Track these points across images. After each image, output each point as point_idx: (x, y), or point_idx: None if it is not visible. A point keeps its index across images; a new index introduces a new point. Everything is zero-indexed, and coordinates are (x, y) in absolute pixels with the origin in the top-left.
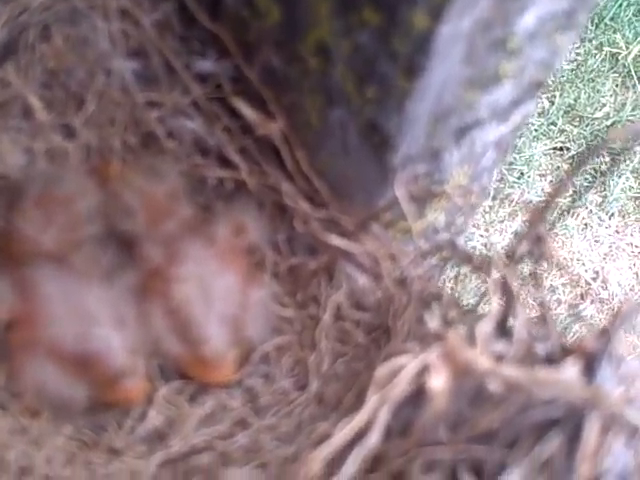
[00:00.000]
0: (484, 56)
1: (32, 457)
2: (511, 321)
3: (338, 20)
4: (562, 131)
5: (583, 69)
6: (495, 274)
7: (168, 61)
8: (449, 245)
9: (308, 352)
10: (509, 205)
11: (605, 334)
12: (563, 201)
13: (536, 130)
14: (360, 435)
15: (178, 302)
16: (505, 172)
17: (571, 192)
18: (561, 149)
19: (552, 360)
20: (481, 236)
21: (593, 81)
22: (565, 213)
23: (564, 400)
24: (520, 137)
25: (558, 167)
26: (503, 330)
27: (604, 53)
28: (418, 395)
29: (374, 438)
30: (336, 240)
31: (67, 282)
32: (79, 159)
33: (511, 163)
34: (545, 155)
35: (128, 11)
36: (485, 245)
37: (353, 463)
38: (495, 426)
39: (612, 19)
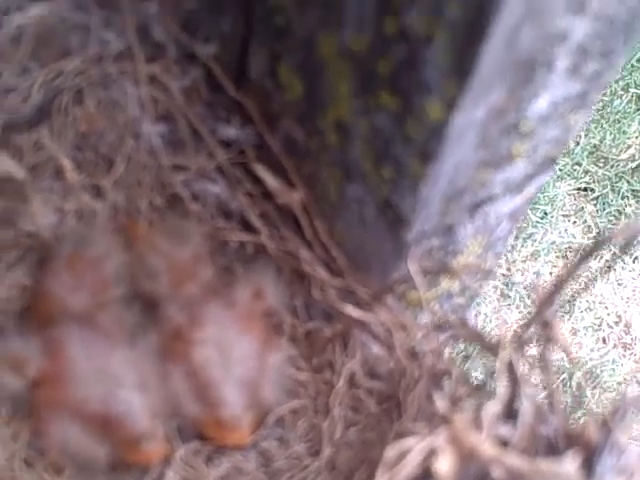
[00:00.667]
0: (497, 140)
1: None
2: (517, 403)
3: (357, 100)
4: (587, 172)
5: (609, 110)
6: (504, 355)
7: (194, 126)
8: (460, 323)
9: (322, 418)
10: (532, 245)
11: (606, 425)
12: (586, 242)
13: (560, 170)
14: None
15: (198, 364)
16: (529, 212)
17: (594, 234)
18: (585, 189)
19: (555, 447)
20: (503, 275)
21: (619, 122)
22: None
23: None
24: None
25: (582, 208)
26: (509, 412)
27: (630, 94)
28: (425, 477)
29: None
30: (351, 310)
31: (93, 343)
32: (107, 218)
33: (535, 202)
34: (569, 195)
35: (157, 77)
36: (507, 285)
37: None
38: None
39: (639, 60)
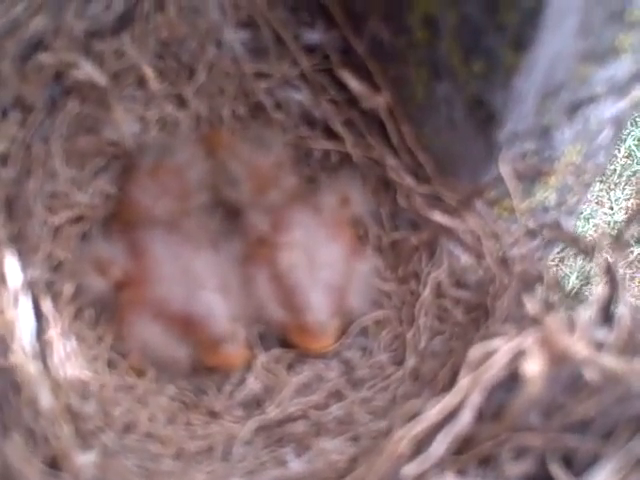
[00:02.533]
0: (600, 29)
1: (136, 414)
2: (615, 308)
3: None
4: None
5: None
6: (601, 258)
7: (277, 32)
8: (555, 226)
9: (406, 328)
10: (637, 183)
11: None
12: None
13: None
14: (451, 416)
15: (283, 268)
16: (634, 148)
17: None
18: None
19: None
20: (605, 214)
21: None
22: None
23: None
24: None
25: None
26: (606, 316)
27: None
28: (512, 379)
29: (465, 419)
30: (439, 216)
31: (177, 245)
32: (189, 128)
33: None
34: None
35: None
36: (609, 224)
37: (441, 443)
38: (590, 416)
39: None
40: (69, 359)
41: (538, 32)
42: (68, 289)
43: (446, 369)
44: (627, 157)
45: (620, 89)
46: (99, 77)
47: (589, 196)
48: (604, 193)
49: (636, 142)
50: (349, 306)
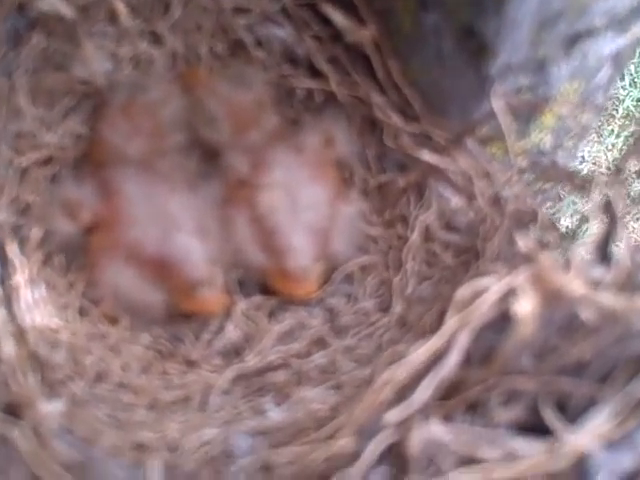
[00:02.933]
0: None
1: (109, 363)
2: (613, 246)
3: None
4: None
5: None
6: (598, 194)
7: None
8: (549, 163)
9: (393, 273)
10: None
11: None
12: None
13: None
14: (437, 359)
15: (264, 210)
16: (632, 109)
17: None
18: None
19: None
20: (608, 169)
21: None
22: None
23: None
24: None
25: None
26: (603, 255)
27: None
28: (502, 320)
29: (451, 362)
30: (428, 156)
31: (150, 185)
32: (165, 66)
33: None
34: None
35: None
36: (595, 163)
37: (426, 388)
38: (586, 358)
39: None
40: (37, 306)
41: None
42: (36, 233)
43: (432, 312)
44: (625, 117)
45: (620, 23)
46: (65, 9)
47: (586, 156)
48: (602, 154)
49: (635, 103)
50: (333, 250)
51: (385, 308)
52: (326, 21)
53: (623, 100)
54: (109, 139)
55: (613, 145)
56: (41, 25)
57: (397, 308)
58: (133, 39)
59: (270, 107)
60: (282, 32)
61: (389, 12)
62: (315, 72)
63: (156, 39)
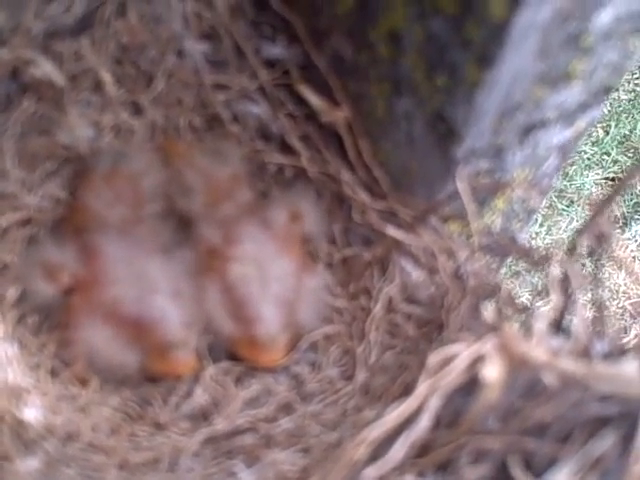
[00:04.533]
0: (557, 52)
1: (78, 424)
2: (568, 319)
3: (413, 6)
4: (615, 162)
5: None
6: (554, 270)
7: (238, 45)
8: (508, 240)
9: (357, 343)
10: (557, 232)
11: None
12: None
13: (589, 159)
14: (409, 421)
15: (234, 280)
16: (555, 199)
17: (621, 224)
18: (613, 179)
19: (609, 358)
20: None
21: None
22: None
23: (621, 397)
24: (572, 165)
25: None
26: (559, 327)
27: None
28: (470, 384)
29: (423, 424)
30: (393, 231)
31: (129, 249)
32: (144, 136)
33: (561, 190)
34: (596, 185)
35: None
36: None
37: (401, 447)
38: (548, 419)
39: None
40: (10, 364)
41: (503, 49)
42: (12, 294)
43: (395, 381)
44: (548, 208)
45: (568, 117)
46: (57, 76)
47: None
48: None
49: (557, 193)
50: (299, 321)
51: (349, 376)
52: (301, 101)
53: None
54: (91, 205)
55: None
56: (32, 90)
57: (360, 377)
58: (115, 108)
59: (245, 182)
60: (258, 109)
61: (363, 96)
62: (287, 148)
63: (137, 110)
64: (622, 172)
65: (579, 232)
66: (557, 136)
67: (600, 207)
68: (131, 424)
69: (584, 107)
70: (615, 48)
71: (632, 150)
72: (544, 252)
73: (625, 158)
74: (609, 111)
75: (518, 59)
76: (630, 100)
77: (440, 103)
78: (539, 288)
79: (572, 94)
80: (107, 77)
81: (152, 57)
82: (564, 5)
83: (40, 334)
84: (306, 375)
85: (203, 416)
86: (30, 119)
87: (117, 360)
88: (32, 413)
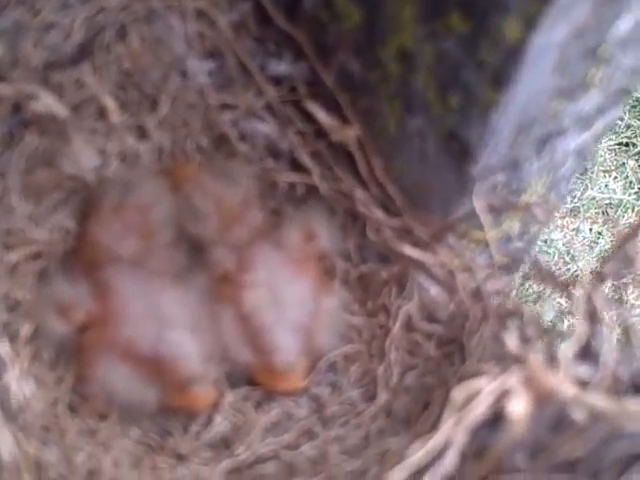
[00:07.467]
0: (575, 65)
1: (100, 460)
2: (594, 344)
3: (422, 25)
4: (628, 126)
5: None
6: (580, 293)
7: (243, 63)
8: (531, 262)
9: (377, 362)
10: (571, 201)
11: None
12: (627, 198)
13: None
14: (435, 457)
15: (249, 309)
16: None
17: (636, 189)
18: (627, 145)
19: (637, 385)
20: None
21: None
22: None
23: None
24: None
25: (623, 163)
26: (586, 353)
27: None
28: (496, 419)
29: (449, 461)
30: (409, 250)
31: (143, 283)
32: (151, 161)
33: None
34: (610, 151)
35: (204, 12)
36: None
37: None
38: (577, 456)
39: None
40: (28, 403)
41: (518, 70)
42: (26, 330)
43: (421, 407)
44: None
45: (586, 122)
46: (59, 109)
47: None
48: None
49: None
50: (317, 345)
51: (370, 397)
52: (310, 118)
53: None
54: (101, 240)
55: None
56: (34, 124)
57: (382, 398)
58: (121, 134)
59: (256, 203)
60: (266, 127)
61: (373, 113)
62: (298, 166)
63: (143, 134)
64: (635, 137)
65: (606, 258)
66: (575, 140)
67: (628, 233)
68: (152, 456)
69: (602, 110)
70: (633, 53)
71: None
72: (568, 276)
73: (638, 122)
74: None
75: (534, 78)
76: None
77: (453, 123)
78: (563, 310)
79: (590, 101)
80: (110, 103)
81: (155, 80)
82: (580, 20)
83: (56, 368)
84: (327, 397)
85: (224, 444)
86: (34, 153)
87: (136, 398)
88: (53, 453)
